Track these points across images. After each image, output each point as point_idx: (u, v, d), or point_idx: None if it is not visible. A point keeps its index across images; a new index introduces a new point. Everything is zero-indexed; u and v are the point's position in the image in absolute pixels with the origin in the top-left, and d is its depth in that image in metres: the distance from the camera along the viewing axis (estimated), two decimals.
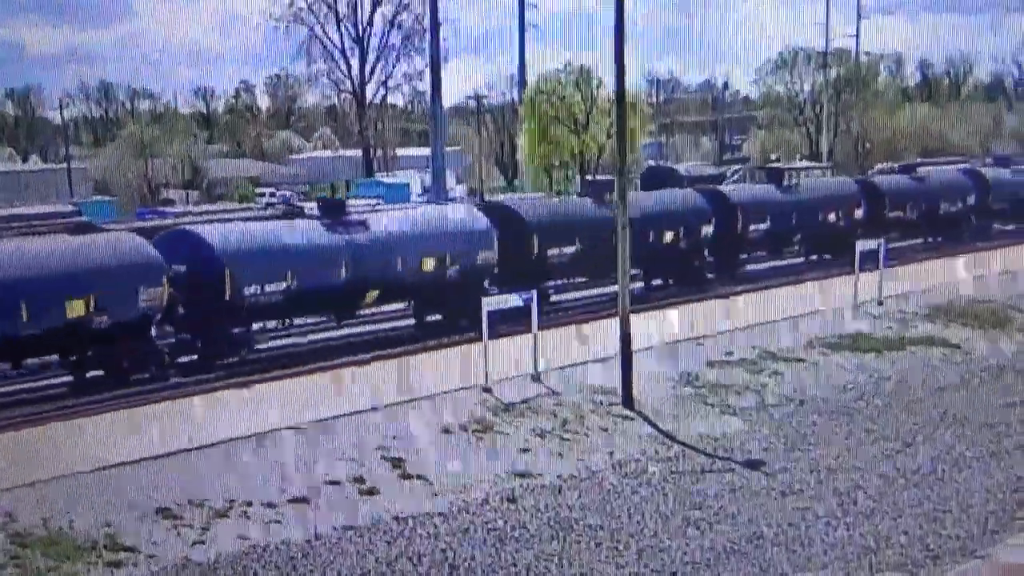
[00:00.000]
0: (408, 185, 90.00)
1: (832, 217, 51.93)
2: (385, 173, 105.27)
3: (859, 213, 52.96)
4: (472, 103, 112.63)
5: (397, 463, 23.52)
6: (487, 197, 76.65)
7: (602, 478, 23.90)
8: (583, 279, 43.40)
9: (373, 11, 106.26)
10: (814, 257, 52.78)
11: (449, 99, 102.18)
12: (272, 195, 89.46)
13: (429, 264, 36.54)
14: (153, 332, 31.79)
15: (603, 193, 42.44)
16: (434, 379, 28.74)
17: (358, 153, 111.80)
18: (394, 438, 24.63)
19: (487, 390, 28.03)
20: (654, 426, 27.10)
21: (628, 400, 28.10)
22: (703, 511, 22.03)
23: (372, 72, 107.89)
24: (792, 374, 31.85)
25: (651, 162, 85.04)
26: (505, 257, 38.85)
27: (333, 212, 36.21)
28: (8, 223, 42.89)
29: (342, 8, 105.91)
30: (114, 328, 29.65)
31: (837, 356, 33.75)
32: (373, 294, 35.74)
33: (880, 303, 39.58)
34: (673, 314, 37.63)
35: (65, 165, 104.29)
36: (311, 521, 20.87)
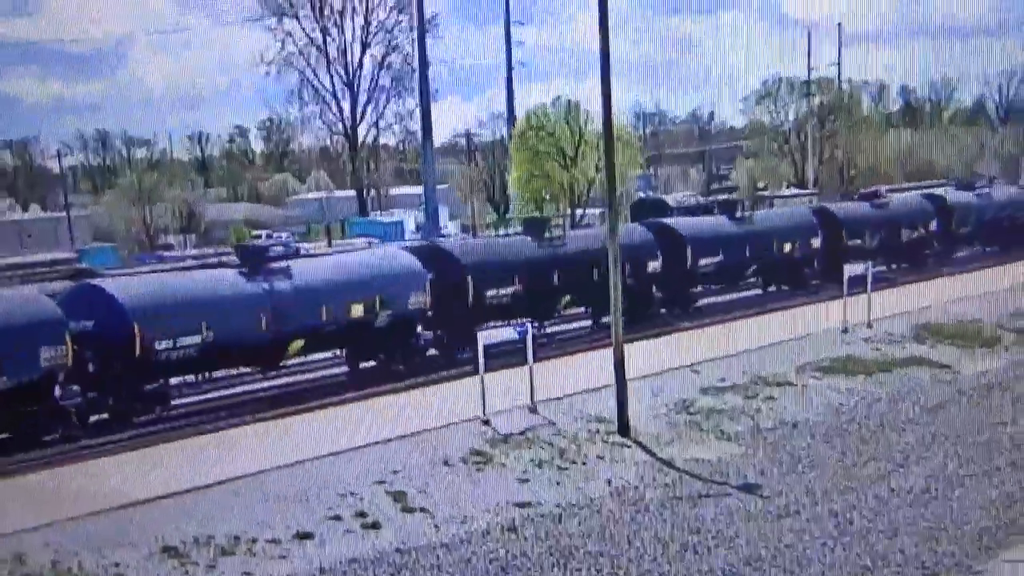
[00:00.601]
0: (402, 223, 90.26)
1: (787, 248, 50.03)
2: (379, 212, 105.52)
3: (816, 242, 51.22)
4: (463, 141, 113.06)
5: (399, 496, 23.55)
6: (479, 232, 76.84)
7: (601, 505, 23.89)
8: (526, 320, 41.27)
9: (363, 54, 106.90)
10: (772, 288, 51.47)
11: (440, 137, 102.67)
12: (268, 237, 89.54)
13: (357, 310, 35.05)
14: (58, 392, 29.85)
15: (543, 230, 42.22)
16: (431, 413, 28.75)
17: (352, 193, 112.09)
18: (394, 472, 24.68)
19: (486, 422, 28.05)
20: (650, 453, 27.10)
21: (624, 428, 28.12)
22: (701, 535, 22.00)
23: (363, 113, 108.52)
24: (785, 398, 31.85)
25: (641, 194, 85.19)
26: (440, 300, 37.40)
27: (253, 260, 34.20)
28: (11, 271, 43.12)
29: (332, 51, 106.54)
30: (13, 389, 28.11)
31: (828, 379, 33.75)
32: (297, 344, 34.14)
33: (869, 325, 39.61)
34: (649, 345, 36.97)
35: (65, 213, 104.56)
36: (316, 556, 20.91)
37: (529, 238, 42.30)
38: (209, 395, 33.79)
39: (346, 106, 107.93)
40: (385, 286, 36.02)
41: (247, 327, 32.36)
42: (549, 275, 40.87)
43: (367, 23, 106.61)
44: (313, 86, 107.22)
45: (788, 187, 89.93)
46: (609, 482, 25.21)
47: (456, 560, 21.03)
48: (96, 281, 32.67)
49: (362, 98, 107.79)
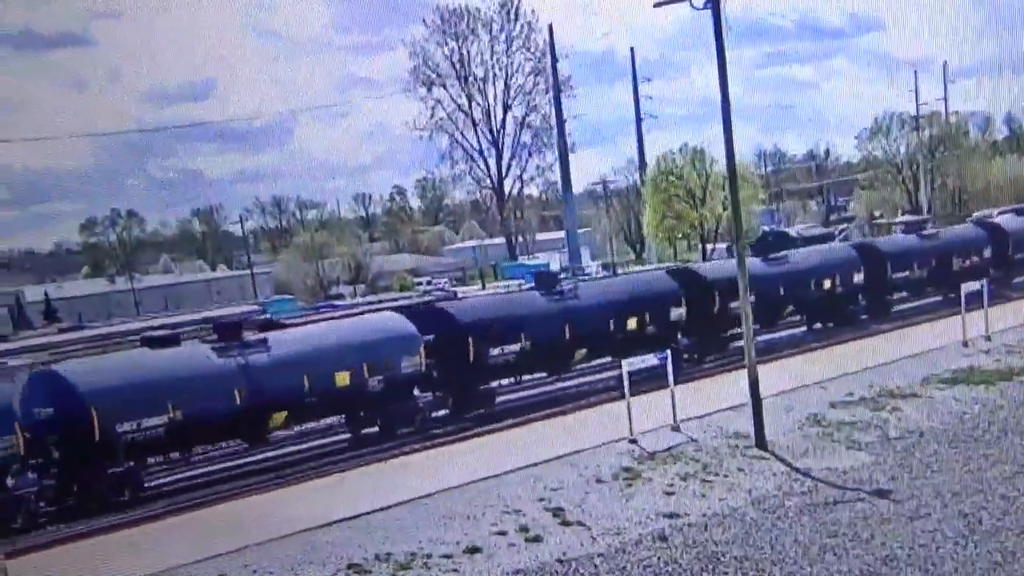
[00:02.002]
0: (548, 264, 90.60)
1: (827, 284, 45.83)
2: (527, 256, 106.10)
3: (858, 277, 47.01)
4: (599, 188, 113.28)
5: (557, 512, 23.57)
6: (619, 271, 76.74)
7: (743, 514, 23.61)
8: (534, 375, 38.58)
9: (505, 115, 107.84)
10: (818, 325, 47.25)
11: (579, 185, 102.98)
12: (428, 283, 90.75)
13: (344, 378, 31.78)
14: (11, 481, 27.23)
15: (553, 283, 39.25)
16: (582, 436, 28.76)
17: (502, 240, 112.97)
18: (552, 490, 24.74)
19: (632, 441, 27.97)
20: (787, 464, 26.71)
21: (761, 442, 27.80)
22: (838, 538, 21.62)
23: (508, 168, 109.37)
24: (911, 409, 31.17)
25: (765, 227, 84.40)
26: (441, 360, 34.43)
27: (228, 335, 31.35)
28: (202, 325, 44.30)
29: (477, 115, 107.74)
30: None
31: (952, 390, 32.95)
32: (279, 417, 31.14)
33: (988, 338, 38.62)
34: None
35: (248, 271, 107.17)
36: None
37: (538, 293, 38.40)
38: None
39: (492, 163, 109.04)
40: (373, 352, 32.63)
41: (219, 403, 29.44)
42: (559, 329, 36.88)
43: (508, 87, 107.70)
44: (462, 147, 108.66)
45: (903, 215, 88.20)
46: (750, 492, 24.90)
47: (612, 568, 20.96)
48: (55, 366, 30.72)
49: (506, 154, 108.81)
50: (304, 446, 33.25)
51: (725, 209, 64.54)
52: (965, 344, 38.09)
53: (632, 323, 38.65)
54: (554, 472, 25.78)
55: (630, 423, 28.35)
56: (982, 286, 39.87)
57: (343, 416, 33.77)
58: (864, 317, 46.81)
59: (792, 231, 74.24)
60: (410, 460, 28.87)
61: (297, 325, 35.64)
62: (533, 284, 40.59)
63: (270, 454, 32.22)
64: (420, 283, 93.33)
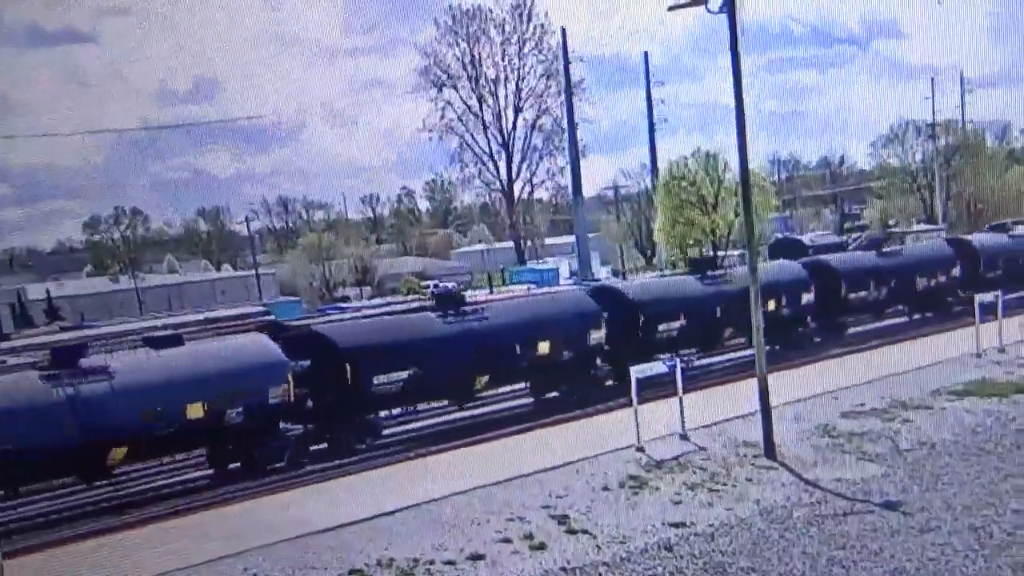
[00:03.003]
0: (557, 270, 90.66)
1: (771, 306, 41.10)
2: (536, 261, 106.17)
3: (808, 298, 44.36)
4: (610, 192, 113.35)
5: (563, 519, 23.62)
6: (628, 277, 76.78)
7: (751, 524, 23.63)
8: (425, 405, 36.07)
9: (516, 118, 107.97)
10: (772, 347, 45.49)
11: (589, 190, 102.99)
12: (436, 286, 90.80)
13: (197, 410, 28.97)
14: None
15: (455, 303, 36.22)
16: (588, 443, 28.81)
17: (510, 244, 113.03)
18: (557, 497, 24.79)
19: (640, 449, 28.01)
20: (796, 474, 26.72)
21: (770, 451, 27.82)
22: (847, 551, 21.62)
23: (518, 172, 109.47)
24: (922, 420, 31.16)
25: (778, 235, 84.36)
26: (316, 390, 32.17)
27: (64, 361, 28.39)
28: (207, 325, 44.39)
29: (488, 117, 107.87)
30: None
31: (964, 402, 32.93)
32: (119, 452, 28.34)
33: (1002, 350, 38.61)
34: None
35: (253, 272, 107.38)
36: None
37: (434, 315, 35.42)
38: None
39: (502, 166, 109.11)
40: (231, 381, 29.85)
41: (46, 436, 26.75)
42: (457, 354, 34.23)
43: (519, 90, 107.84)
44: (472, 149, 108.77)
45: (917, 224, 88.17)
46: (758, 502, 24.91)
47: None
48: None
49: (517, 158, 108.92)
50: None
51: (737, 216, 64.52)
52: (978, 355, 38.07)
53: (544, 347, 35.92)
54: (560, 479, 25.83)
55: (637, 431, 28.39)
56: (996, 297, 39.84)
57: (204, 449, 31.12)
58: (817, 340, 44.72)
59: (805, 239, 74.06)
60: (411, 464, 28.95)
61: (160, 346, 30.71)
62: (433, 304, 36.84)
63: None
64: (428, 286, 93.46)
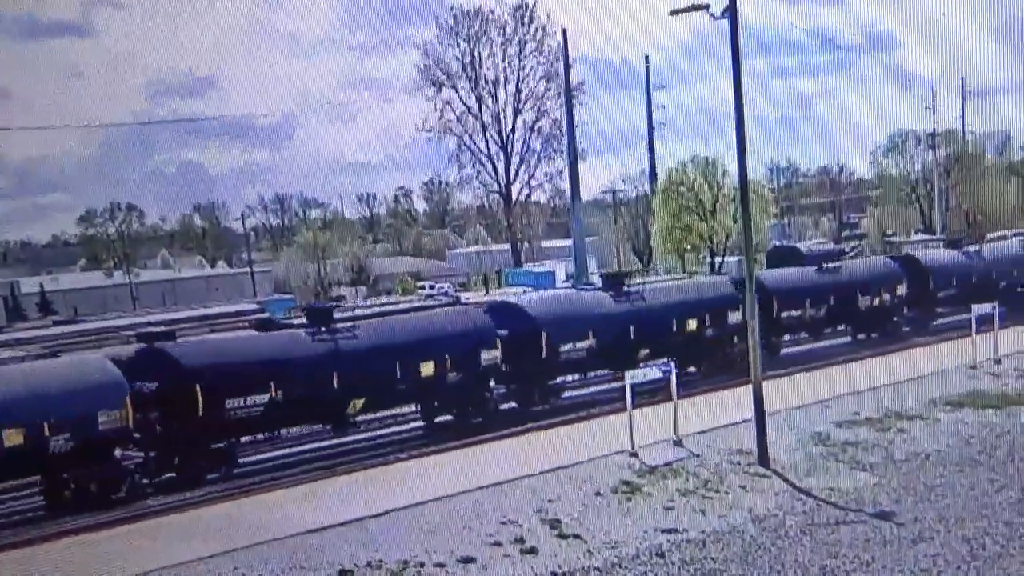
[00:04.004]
0: (553, 273, 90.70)
1: (693, 325, 40.36)
2: (532, 263, 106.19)
3: (735, 317, 40.03)
4: (608, 196, 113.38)
5: (554, 524, 23.63)
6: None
7: (743, 532, 23.65)
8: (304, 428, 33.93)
9: (515, 119, 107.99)
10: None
11: (587, 194, 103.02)
12: (431, 287, 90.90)
13: (14, 437, 26.32)
14: None
15: (325, 320, 33.05)
16: (582, 448, 28.82)
17: (507, 247, 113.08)
18: (549, 501, 24.81)
19: (633, 455, 28.03)
20: (789, 483, 26.74)
21: (764, 459, 27.85)
22: (839, 560, 21.64)
23: (516, 174, 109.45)
24: (917, 431, 31.20)
25: (776, 242, 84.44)
26: (164, 415, 29.48)
27: None
28: (202, 322, 44.33)
29: (487, 118, 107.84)
30: None
31: (959, 413, 32.98)
32: None
33: (998, 362, 38.67)
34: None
35: (248, 269, 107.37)
36: None
37: (305, 331, 32.67)
38: None
39: (500, 167, 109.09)
40: (58, 405, 27.36)
41: None
42: (327, 376, 31.72)
43: (519, 91, 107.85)
44: (470, 150, 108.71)
45: (916, 233, 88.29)
46: (750, 510, 24.94)
47: None
48: None
49: (515, 160, 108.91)
50: None
51: (735, 222, 64.61)
52: (974, 367, 38.12)
53: (427, 368, 33.66)
54: (552, 484, 25.83)
55: (631, 436, 28.40)
56: (993, 308, 39.88)
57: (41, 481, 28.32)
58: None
59: (803, 247, 74.16)
60: (408, 466, 28.96)
61: None
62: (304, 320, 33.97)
63: None
64: (423, 287, 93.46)
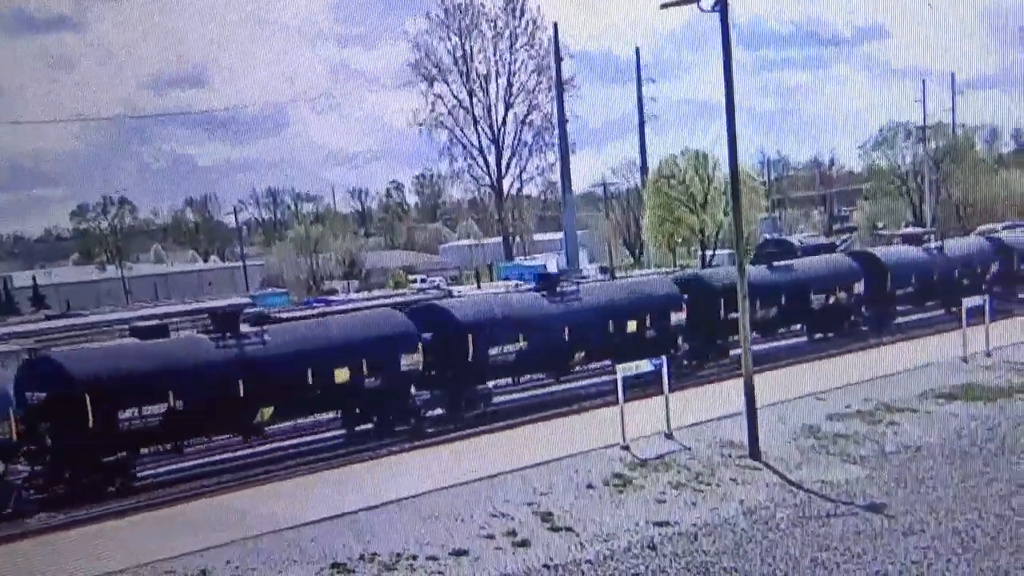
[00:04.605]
0: (544, 266, 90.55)
1: (632, 327, 38.43)
2: (524, 257, 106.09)
3: (678, 317, 39.49)
4: (599, 189, 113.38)
5: (546, 516, 23.60)
6: (617, 275, 76.79)
7: (735, 524, 23.63)
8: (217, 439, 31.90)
9: (506, 113, 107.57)
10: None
11: (578, 187, 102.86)
12: (423, 281, 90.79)
13: None
14: None
15: (231, 325, 31.14)
16: (574, 441, 28.79)
17: (499, 240, 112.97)
18: (541, 494, 24.78)
19: (625, 448, 28.00)
20: (780, 475, 26.74)
21: (755, 452, 27.83)
22: (830, 552, 21.65)
23: (508, 167, 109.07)
24: (908, 423, 31.21)
25: (766, 235, 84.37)
26: (55, 427, 27.68)
27: None
28: (194, 316, 44.30)
29: (478, 111, 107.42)
30: None
31: (950, 405, 32.99)
32: None
33: (988, 354, 38.68)
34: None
35: (241, 263, 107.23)
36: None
37: (210, 338, 30.91)
38: None
39: (492, 160, 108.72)
40: None
41: None
42: (233, 384, 29.89)
43: (510, 85, 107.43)
44: (462, 143, 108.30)
45: (906, 226, 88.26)
46: (742, 502, 24.93)
47: (600, 575, 20.98)
48: None
49: (506, 153, 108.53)
50: None
51: (726, 215, 64.61)
52: (965, 360, 38.14)
53: (342, 375, 31.94)
54: (544, 476, 25.81)
55: (623, 429, 28.36)
56: (984, 301, 39.88)
57: None
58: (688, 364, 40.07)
59: (794, 239, 74.05)
60: (401, 459, 28.92)
61: None
62: (208, 326, 32.16)
63: None
64: (415, 280, 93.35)
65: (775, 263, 45.17)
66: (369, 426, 33.18)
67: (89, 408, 27.17)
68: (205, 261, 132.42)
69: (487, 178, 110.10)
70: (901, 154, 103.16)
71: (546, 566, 21.25)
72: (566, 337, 36.65)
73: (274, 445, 32.14)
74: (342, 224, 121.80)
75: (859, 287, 46.47)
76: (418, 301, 38.11)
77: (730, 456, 27.82)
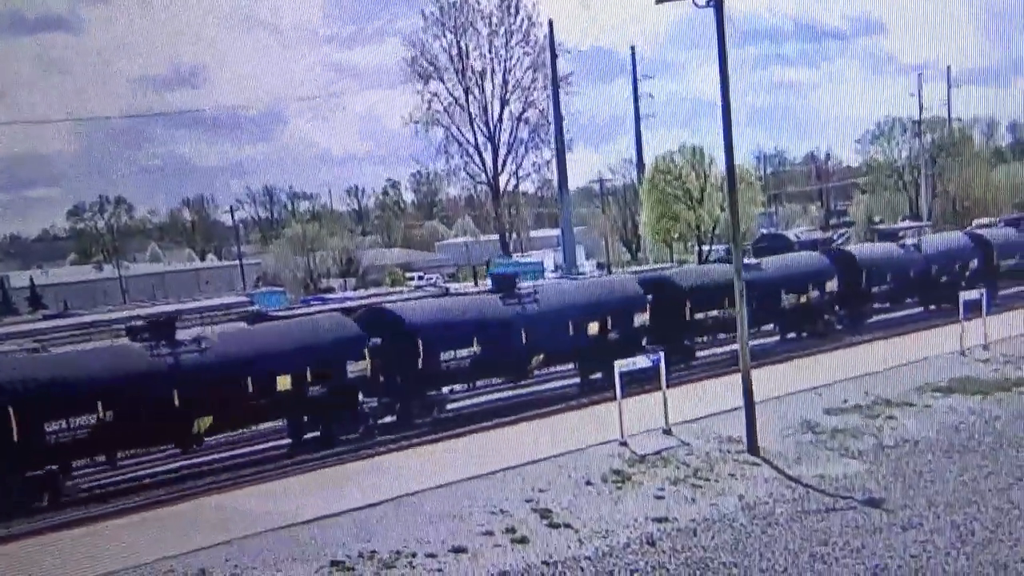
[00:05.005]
0: (542, 263, 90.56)
1: (594, 328, 37.22)
2: (521, 253, 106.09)
3: (642, 319, 38.33)
4: (596, 186, 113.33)
5: (545, 513, 23.60)
6: (614, 270, 76.83)
7: (733, 519, 23.64)
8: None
9: (502, 110, 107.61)
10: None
11: (575, 183, 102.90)
12: (420, 278, 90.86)
13: None
14: None
15: (164, 335, 29.58)
16: (572, 437, 28.79)
17: (495, 237, 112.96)
18: (540, 491, 24.77)
19: (623, 444, 28.00)
20: (779, 470, 26.75)
21: (753, 447, 27.84)
22: (829, 547, 21.67)
23: (504, 164, 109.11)
24: (906, 418, 31.21)
25: (763, 230, 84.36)
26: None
27: None
28: (193, 314, 44.26)
29: (474, 109, 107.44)
30: None
31: (947, 399, 33.00)
32: None
33: (986, 348, 38.69)
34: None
35: (238, 262, 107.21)
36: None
37: (143, 345, 29.41)
38: None
39: (488, 158, 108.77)
40: None
41: None
42: (166, 393, 28.65)
43: (506, 82, 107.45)
44: (458, 141, 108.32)
45: (903, 220, 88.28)
46: (740, 498, 24.94)
47: (599, 572, 21.00)
48: None
49: (503, 150, 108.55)
50: None
51: (723, 211, 64.52)
52: (963, 353, 38.14)
53: (284, 382, 30.67)
54: (543, 473, 25.80)
55: (621, 425, 28.36)
56: (981, 296, 39.88)
57: None
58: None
59: (791, 234, 73.99)
60: (391, 459, 28.90)
61: None
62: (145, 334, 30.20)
63: None
64: (412, 278, 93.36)
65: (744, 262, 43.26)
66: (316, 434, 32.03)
67: (13, 420, 26.02)
68: (202, 260, 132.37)
69: (483, 175, 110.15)
70: (898, 148, 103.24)
71: (545, 563, 21.25)
72: (523, 340, 35.46)
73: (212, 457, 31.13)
74: (339, 222, 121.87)
75: (832, 285, 45.28)
76: (370, 305, 36.26)
77: (728, 451, 27.84)
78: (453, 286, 58.10)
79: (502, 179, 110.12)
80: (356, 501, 23.98)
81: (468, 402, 36.07)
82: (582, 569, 21.07)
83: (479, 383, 36.19)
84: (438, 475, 25.65)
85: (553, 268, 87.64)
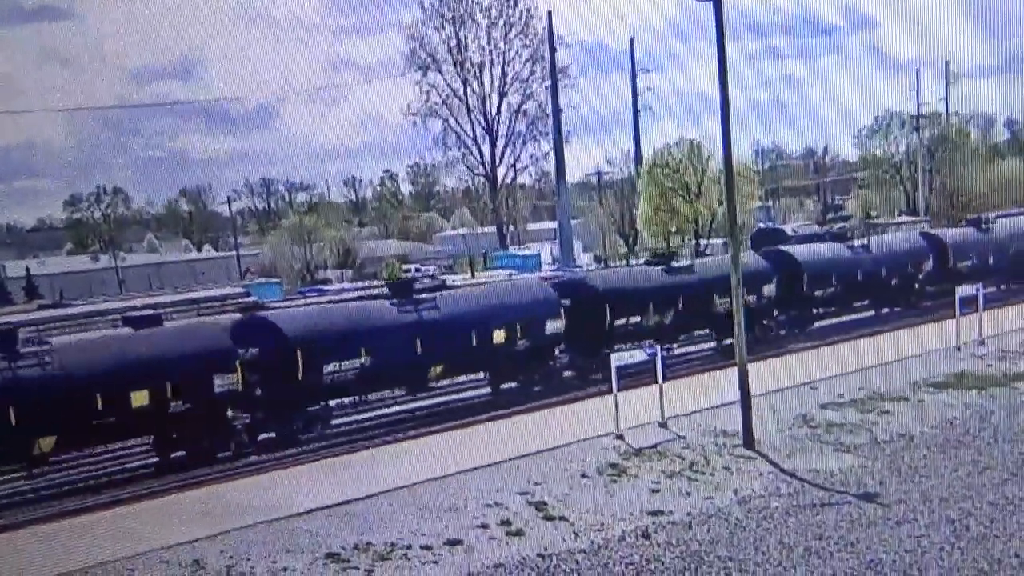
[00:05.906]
0: (539, 255, 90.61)
1: (500, 336, 35.34)
2: (518, 246, 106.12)
3: (556, 326, 36.58)
4: (594, 179, 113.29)
5: (540, 506, 23.62)
6: (610, 264, 76.87)
7: (729, 513, 23.67)
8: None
9: (500, 102, 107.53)
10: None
11: (573, 176, 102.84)
12: (417, 270, 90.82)
13: None
14: None
15: (8, 343, 27.59)
16: (568, 430, 28.81)
17: (493, 229, 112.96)
18: (535, 484, 24.80)
19: (619, 437, 28.02)
20: (774, 464, 26.77)
21: (749, 441, 27.86)
22: (824, 541, 21.69)
23: (502, 156, 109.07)
24: (901, 413, 31.24)
25: (761, 224, 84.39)
26: None
27: None
28: (189, 305, 44.25)
29: (472, 101, 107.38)
30: None
31: (943, 394, 33.02)
32: None
33: (982, 343, 38.71)
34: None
35: (234, 253, 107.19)
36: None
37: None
38: None
39: (486, 150, 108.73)
40: None
41: None
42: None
43: (504, 74, 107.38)
44: (456, 133, 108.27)
45: (900, 215, 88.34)
46: (736, 492, 24.96)
47: (594, 564, 21.02)
48: None
49: (500, 142, 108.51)
50: None
51: (720, 204, 64.49)
52: (958, 348, 38.16)
53: (140, 398, 28.45)
54: (538, 466, 25.82)
55: (617, 419, 28.38)
56: (977, 290, 39.88)
57: None
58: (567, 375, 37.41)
59: (787, 228, 74.00)
60: (384, 450, 28.90)
61: None
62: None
63: None
64: (408, 270, 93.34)
65: (673, 264, 41.34)
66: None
67: None
68: (199, 251, 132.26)
69: (481, 167, 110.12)
70: (895, 143, 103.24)
71: (540, 555, 21.27)
72: (418, 350, 33.34)
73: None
74: (336, 213, 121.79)
75: (770, 289, 42.77)
76: (245, 311, 34.67)
77: (724, 445, 27.84)
78: (450, 278, 57.89)
79: (500, 171, 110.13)
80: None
81: (362, 416, 34.08)
82: (577, 562, 21.10)
83: (372, 396, 34.19)
84: (435, 467, 25.67)
85: (551, 260, 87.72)
